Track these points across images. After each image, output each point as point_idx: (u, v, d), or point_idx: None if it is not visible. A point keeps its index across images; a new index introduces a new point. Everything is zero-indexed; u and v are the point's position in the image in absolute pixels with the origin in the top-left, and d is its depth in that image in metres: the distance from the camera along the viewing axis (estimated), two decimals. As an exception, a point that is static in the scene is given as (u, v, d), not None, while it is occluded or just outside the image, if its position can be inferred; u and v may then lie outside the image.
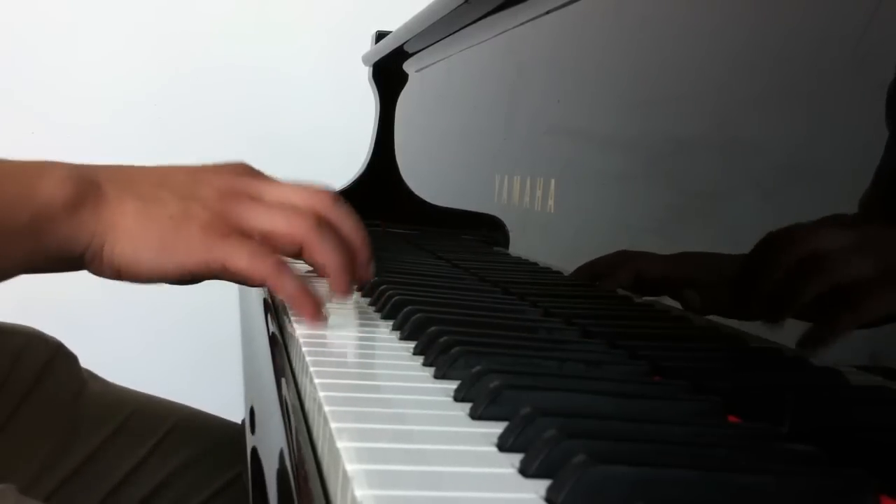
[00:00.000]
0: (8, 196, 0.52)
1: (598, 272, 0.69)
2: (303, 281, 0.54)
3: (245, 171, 0.59)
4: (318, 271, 0.58)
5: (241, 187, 0.56)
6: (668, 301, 0.58)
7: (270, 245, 0.55)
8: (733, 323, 0.52)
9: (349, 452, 0.33)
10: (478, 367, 0.44)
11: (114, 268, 0.54)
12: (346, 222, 0.58)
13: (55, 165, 0.54)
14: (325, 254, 0.56)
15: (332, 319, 0.56)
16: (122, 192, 0.54)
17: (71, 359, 0.84)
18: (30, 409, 0.78)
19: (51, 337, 0.83)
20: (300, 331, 0.55)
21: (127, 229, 0.53)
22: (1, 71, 1.95)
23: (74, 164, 0.55)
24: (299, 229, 0.55)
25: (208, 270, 0.54)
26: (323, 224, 0.56)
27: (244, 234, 0.54)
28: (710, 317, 0.54)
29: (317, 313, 0.54)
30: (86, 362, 0.86)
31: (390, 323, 0.59)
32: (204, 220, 0.53)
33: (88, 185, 0.53)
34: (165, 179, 0.56)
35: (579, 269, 0.71)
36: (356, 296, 0.67)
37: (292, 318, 0.58)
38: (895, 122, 0.40)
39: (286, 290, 0.54)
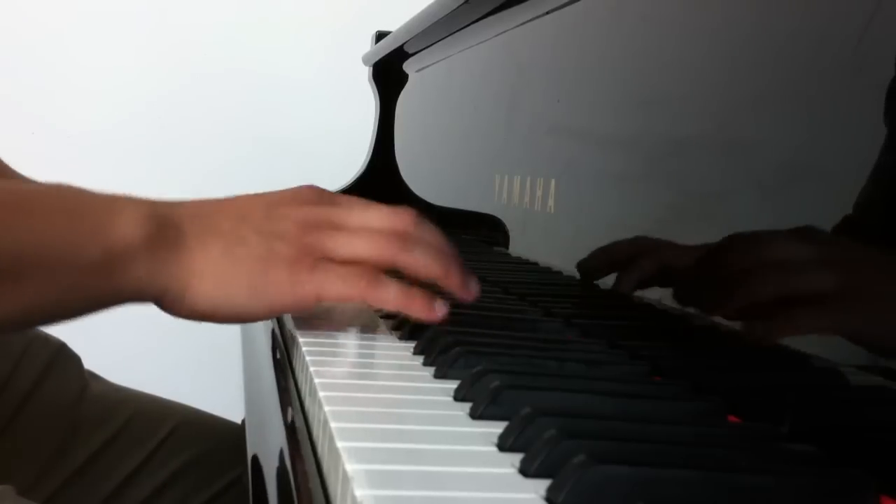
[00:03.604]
0: (81, 230, 0.49)
1: (614, 259, 0.67)
2: (403, 284, 0.52)
3: (318, 197, 0.57)
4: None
5: (321, 217, 0.54)
6: (667, 301, 0.58)
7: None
8: (732, 322, 0.51)
9: (349, 452, 0.33)
10: (478, 367, 0.44)
11: (200, 313, 0.52)
12: (432, 237, 0.56)
13: (131, 202, 0.52)
14: (421, 266, 0.54)
15: (333, 320, 0.57)
16: (203, 233, 0.52)
17: (74, 360, 0.84)
18: (32, 409, 0.78)
19: (53, 338, 0.83)
20: (300, 331, 0.55)
21: (212, 274, 0.51)
22: (1, 71, 1.95)
23: (149, 199, 0.53)
24: (387, 251, 0.53)
25: (302, 307, 0.52)
26: (408, 240, 0.54)
27: (330, 262, 0.53)
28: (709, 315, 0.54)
29: (431, 308, 0.52)
30: (89, 363, 0.86)
31: (391, 323, 0.59)
32: (290, 257, 0.52)
33: (167, 224, 0.51)
34: (244, 215, 0.54)
35: (591, 257, 0.70)
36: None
37: (292, 317, 0.58)
38: (894, 122, 0.40)
39: (390, 301, 0.52)
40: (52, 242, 0.48)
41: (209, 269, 0.51)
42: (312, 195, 0.57)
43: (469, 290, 0.56)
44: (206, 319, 0.53)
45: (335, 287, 0.51)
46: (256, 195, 0.57)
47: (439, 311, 0.53)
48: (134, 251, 0.49)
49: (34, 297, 0.47)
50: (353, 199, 0.57)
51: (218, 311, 0.51)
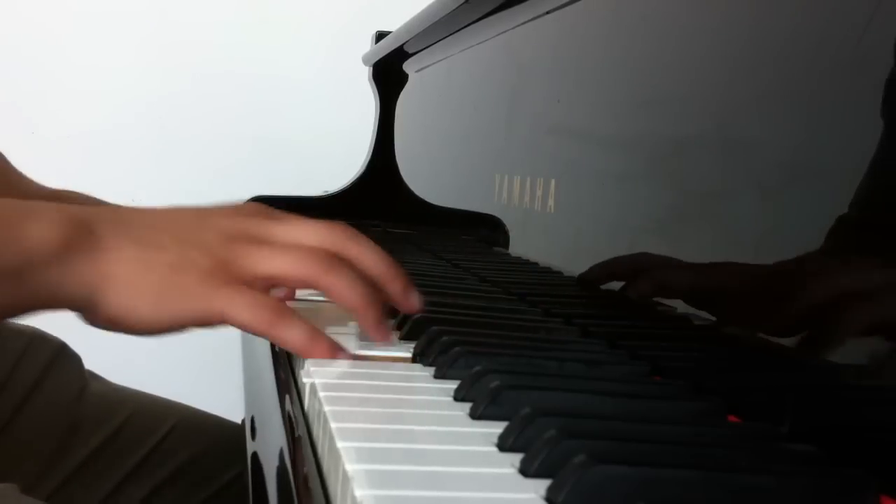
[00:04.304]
0: None
1: (615, 274, 0.66)
2: (309, 325, 0.50)
3: (255, 212, 0.54)
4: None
5: (248, 230, 0.52)
6: (668, 301, 0.58)
7: (284, 288, 0.52)
8: (734, 322, 0.51)
9: (349, 452, 0.33)
10: (478, 367, 0.44)
11: (108, 319, 0.50)
12: (366, 255, 0.54)
13: (47, 207, 0.50)
14: (342, 292, 0.51)
15: (333, 319, 0.56)
16: (118, 238, 0.50)
17: (74, 359, 0.85)
18: (32, 409, 0.78)
19: (54, 337, 0.84)
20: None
21: (122, 279, 0.49)
22: (1, 71, 1.95)
23: (68, 206, 0.51)
24: (308, 269, 0.51)
25: (208, 322, 0.50)
26: (337, 262, 0.51)
27: (248, 282, 0.50)
28: (708, 316, 0.54)
29: (334, 352, 0.50)
30: (89, 363, 0.86)
31: (390, 323, 0.59)
32: (204, 268, 0.50)
33: (82, 229, 0.49)
34: (167, 223, 0.52)
35: (592, 270, 0.70)
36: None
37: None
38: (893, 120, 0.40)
39: (291, 341, 0.50)
40: None
41: (120, 275, 0.49)
42: (250, 209, 0.55)
43: (409, 302, 0.55)
44: (119, 330, 0.51)
45: (240, 312, 0.49)
46: (193, 207, 0.55)
47: (342, 357, 0.50)
48: (46, 257, 0.48)
49: None
50: (291, 217, 0.54)
51: (126, 318, 0.49)
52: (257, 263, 0.51)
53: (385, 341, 0.53)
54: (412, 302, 0.55)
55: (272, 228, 0.53)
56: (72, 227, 0.49)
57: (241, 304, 0.49)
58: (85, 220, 0.50)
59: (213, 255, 0.50)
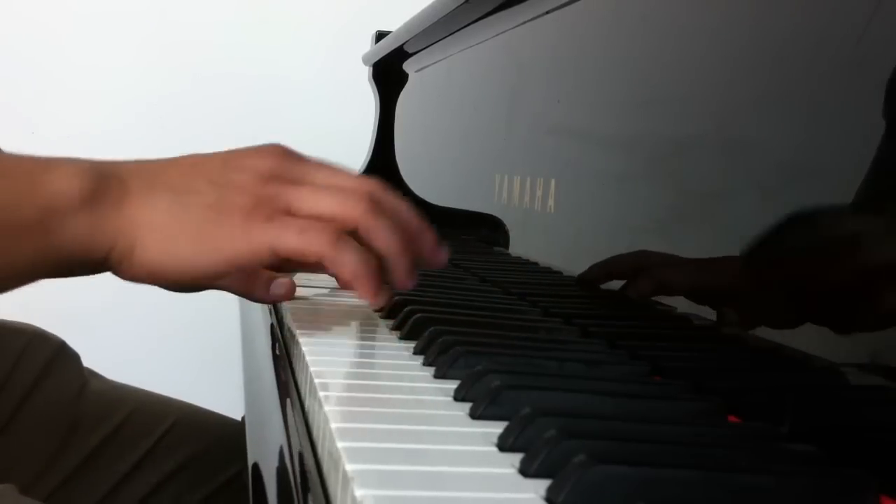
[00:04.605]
0: (13, 189, 0.46)
1: (614, 273, 0.66)
2: (365, 255, 0.49)
3: (284, 154, 0.53)
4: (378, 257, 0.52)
5: (284, 170, 0.51)
6: (667, 301, 0.58)
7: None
8: (734, 322, 0.52)
9: (349, 452, 0.33)
10: (478, 367, 0.44)
11: (148, 269, 0.48)
12: (400, 207, 0.52)
13: (69, 160, 0.49)
14: (385, 237, 0.50)
15: (333, 319, 0.56)
16: (150, 185, 0.48)
17: (73, 358, 0.85)
18: (31, 407, 0.78)
19: (53, 336, 0.84)
20: (300, 330, 0.55)
21: (160, 225, 0.47)
22: (2, 70, 1.95)
23: (91, 159, 0.50)
24: (354, 211, 0.49)
25: (256, 259, 0.48)
26: (379, 207, 0.50)
27: (290, 215, 0.49)
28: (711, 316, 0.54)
29: (376, 295, 0.49)
30: (88, 362, 0.86)
31: (390, 323, 0.59)
32: (246, 205, 0.48)
33: (109, 178, 0.48)
34: (198, 168, 0.50)
35: (592, 269, 0.70)
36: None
37: (291, 316, 0.58)
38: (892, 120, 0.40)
39: (347, 267, 0.48)
40: None
41: (157, 221, 0.47)
42: (277, 150, 0.53)
43: (438, 257, 0.54)
44: (158, 280, 0.49)
45: (292, 240, 0.47)
46: (221, 152, 0.53)
47: (382, 299, 0.50)
48: (71, 206, 0.46)
49: None
50: (323, 162, 0.53)
51: (169, 266, 0.48)
52: (300, 201, 0.49)
53: (411, 285, 0.53)
54: (440, 256, 0.55)
55: (308, 170, 0.52)
56: (96, 177, 0.47)
57: (290, 233, 0.47)
58: (111, 171, 0.49)
59: (252, 193, 0.49)
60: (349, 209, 0.49)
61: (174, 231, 0.47)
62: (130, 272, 0.48)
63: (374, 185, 0.52)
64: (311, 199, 0.49)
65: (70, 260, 0.48)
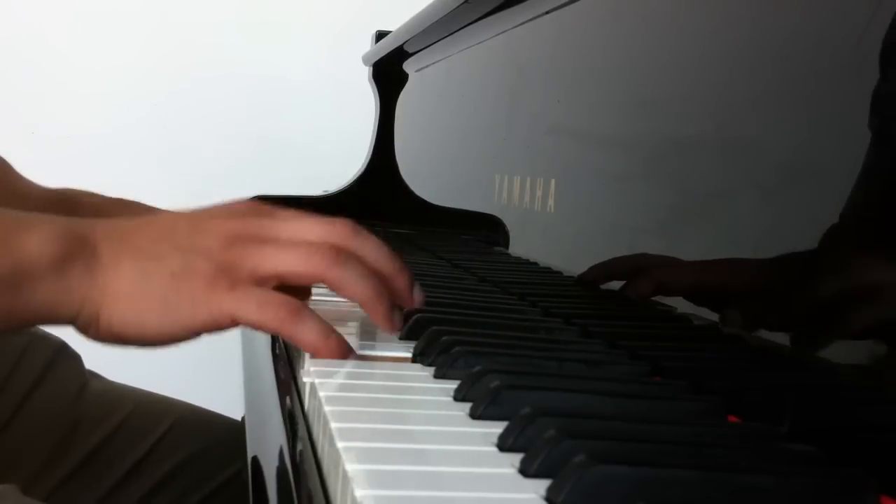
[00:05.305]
0: None
1: (614, 274, 0.66)
2: (323, 323, 0.49)
3: (253, 211, 0.53)
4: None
5: (249, 230, 0.51)
6: (667, 301, 0.58)
7: (294, 285, 0.50)
8: (733, 322, 0.52)
9: (349, 452, 0.33)
10: (478, 367, 0.44)
11: (114, 335, 0.49)
12: (371, 251, 0.52)
13: (46, 219, 0.50)
14: (352, 286, 0.50)
15: (333, 319, 0.56)
16: (117, 251, 0.49)
17: (74, 358, 0.85)
18: (32, 408, 0.78)
19: (54, 336, 0.84)
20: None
21: (125, 293, 0.48)
22: (2, 69, 1.95)
23: (67, 219, 0.51)
24: (318, 265, 0.50)
25: (217, 326, 0.49)
26: (343, 255, 0.50)
27: (256, 283, 0.49)
28: (711, 317, 0.54)
29: (345, 353, 0.49)
30: (89, 362, 0.86)
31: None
32: (208, 272, 0.49)
33: (80, 243, 0.49)
34: (165, 232, 0.51)
35: (592, 270, 0.70)
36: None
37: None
38: (890, 120, 0.40)
39: (305, 339, 0.49)
40: None
41: (122, 290, 0.48)
42: (247, 209, 0.53)
43: (414, 298, 0.54)
44: (122, 342, 0.50)
45: (251, 312, 0.48)
46: (186, 212, 0.54)
47: (352, 357, 0.50)
48: (41, 271, 0.47)
49: None
50: (289, 212, 0.53)
51: (134, 333, 0.49)
52: (262, 262, 0.50)
53: (396, 332, 0.53)
54: (416, 297, 0.55)
55: (274, 226, 0.52)
56: (68, 240, 0.48)
57: (250, 304, 0.48)
58: (82, 234, 0.49)
59: (215, 258, 0.49)
60: (313, 265, 0.50)
61: (137, 300, 0.49)
62: (97, 336, 0.50)
63: (343, 231, 0.52)
64: (273, 258, 0.50)
65: (36, 319, 0.49)
